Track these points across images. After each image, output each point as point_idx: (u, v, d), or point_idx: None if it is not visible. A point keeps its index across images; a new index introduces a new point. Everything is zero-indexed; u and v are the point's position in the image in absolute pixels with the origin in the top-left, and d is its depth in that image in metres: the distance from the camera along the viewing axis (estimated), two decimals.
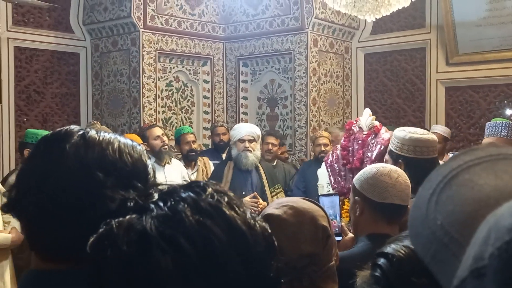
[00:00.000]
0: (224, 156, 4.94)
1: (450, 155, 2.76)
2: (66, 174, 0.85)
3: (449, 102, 6.09)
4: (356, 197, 1.91)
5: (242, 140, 4.14)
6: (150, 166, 0.93)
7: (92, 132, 0.91)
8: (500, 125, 2.96)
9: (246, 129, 4.27)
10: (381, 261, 0.96)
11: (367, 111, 3.85)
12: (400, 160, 2.43)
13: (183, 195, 0.66)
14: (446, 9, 5.73)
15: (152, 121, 5.74)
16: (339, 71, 6.50)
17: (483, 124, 3.91)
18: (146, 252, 0.61)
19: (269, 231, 0.70)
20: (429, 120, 6.11)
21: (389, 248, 0.98)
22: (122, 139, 0.92)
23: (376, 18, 4.00)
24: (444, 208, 0.50)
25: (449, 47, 5.91)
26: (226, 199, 0.67)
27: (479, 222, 0.42)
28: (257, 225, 0.67)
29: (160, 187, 0.72)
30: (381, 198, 1.85)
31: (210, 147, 6.41)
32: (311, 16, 5.97)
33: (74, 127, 0.92)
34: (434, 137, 2.57)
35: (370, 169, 1.94)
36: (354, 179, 1.98)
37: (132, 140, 0.94)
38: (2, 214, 3.43)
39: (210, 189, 0.68)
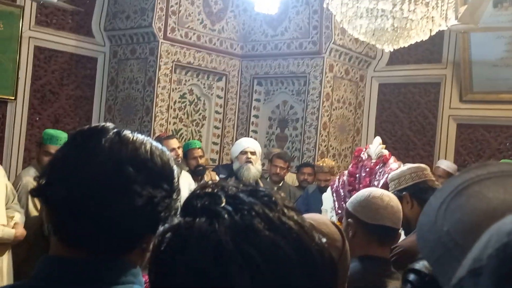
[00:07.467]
0: None
1: None
2: (98, 166, 0.88)
3: (460, 139, 6.08)
4: (349, 219, 1.97)
5: (244, 152, 4.16)
6: (176, 171, 0.95)
7: (127, 131, 0.94)
8: None
9: (247, 142, 4.30)
10: (412, 277, 0.97)
11: (378, 139, 3.85)
12: (403, 193, 2.57)
13: (253, 204, 0.65)
14: (464, 46, 5.75)
15: (162, 131, 5.77)
16: (352, 98, 6.52)
17: None
18: (223, 266, 0.60)
19: (334, 258, 0.70)
20: (438, 155, 6.09)
21: (419, 265, 0.98)
22: (154, 142, 0.95)
23: (394, 49, 4.02)
24: (452, 216, 0.53)
25: (463, 84, 5.93)
26: (295, 216, 0.66)
27: (483, 231, 0.44)
28: (325, 252, 0.67)
29: (220, 184, 0.70)
30: (373, 219, 1.91)
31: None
32: (329, 42, 6.02)
33: (110, 125, 0.95)
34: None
35: (363, 192, 2.03)
36: (347, 203, 2.05)
37: (162, 145, 0.97)
38: (6, 209, 3.45)
39: (280, 203, 0.67)
